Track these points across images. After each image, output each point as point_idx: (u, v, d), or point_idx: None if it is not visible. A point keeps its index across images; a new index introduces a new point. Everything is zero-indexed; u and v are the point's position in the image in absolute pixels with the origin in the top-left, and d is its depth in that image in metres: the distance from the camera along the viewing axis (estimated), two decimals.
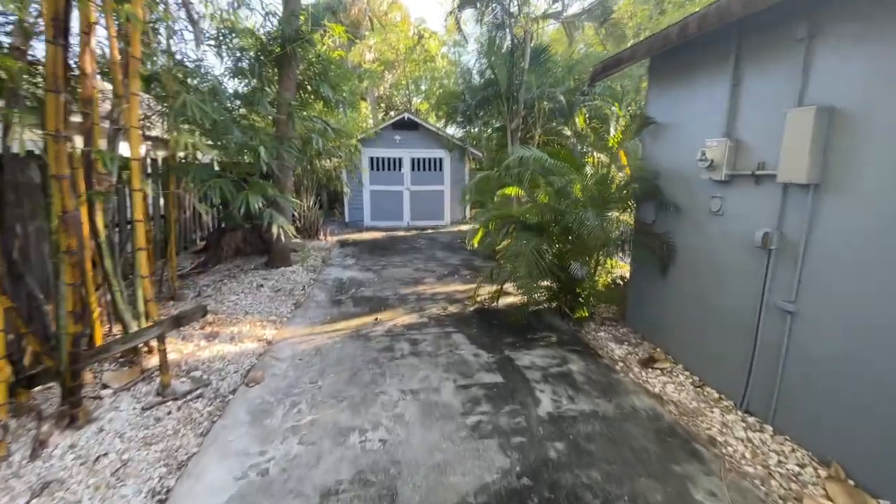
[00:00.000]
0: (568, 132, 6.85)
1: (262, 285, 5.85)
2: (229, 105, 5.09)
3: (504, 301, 5.26)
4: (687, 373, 3.65)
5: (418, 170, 12.79)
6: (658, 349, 4.08)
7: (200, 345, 4.00)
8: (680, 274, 3.84)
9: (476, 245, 6.36)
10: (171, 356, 3.61)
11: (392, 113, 18.83)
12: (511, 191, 5.34)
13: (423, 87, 21.81)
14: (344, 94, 6.38)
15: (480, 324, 4.69)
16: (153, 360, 3.49)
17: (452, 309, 5.18)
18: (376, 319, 4.76)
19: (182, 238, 7.29)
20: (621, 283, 4.79)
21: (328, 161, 10.42)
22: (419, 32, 19.93)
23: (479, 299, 5.27)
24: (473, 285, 6.07)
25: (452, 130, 13.34)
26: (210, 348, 3.95)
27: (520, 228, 4.49)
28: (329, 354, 3.87)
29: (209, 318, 4.60)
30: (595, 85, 4.73)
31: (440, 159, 12.85)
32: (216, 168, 5.67)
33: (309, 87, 6.32)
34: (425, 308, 5.20)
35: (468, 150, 12.82)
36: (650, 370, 3.69)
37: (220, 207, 5.75)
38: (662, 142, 4.14)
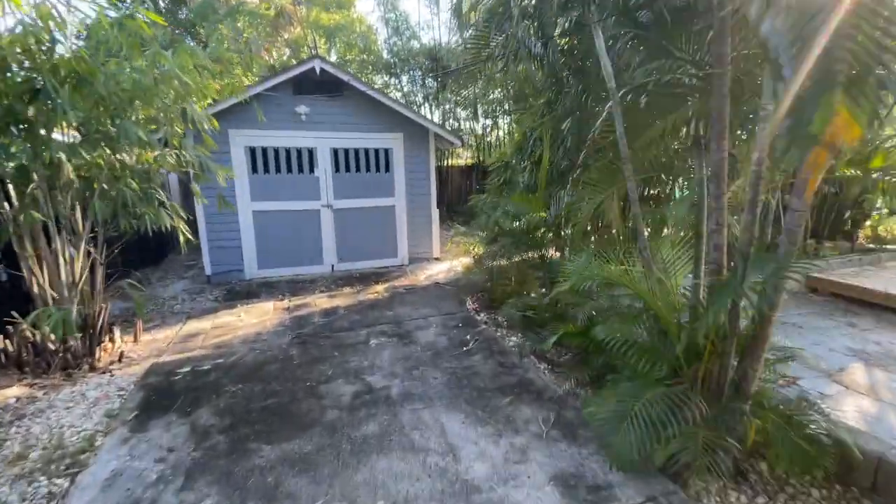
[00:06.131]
0: None
1: None
2: None
3: None
4: None
5: (347, 170, 6.91)
6: None
7: None
8: None
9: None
10: None
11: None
12: None
13: (333, 55, 15.53)
14: None
15: None
16: None
17: None
18: None
19: None
20: None
21: (137, 152, 4.07)
22: None
23: None
24: None
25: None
26: None
27: None
28: None
29: None
30: None
31: (387, 150, 7.08)
32: None
33: None
34: None
35: (433, 134, 7.26)
36: None
37: None
38: None
